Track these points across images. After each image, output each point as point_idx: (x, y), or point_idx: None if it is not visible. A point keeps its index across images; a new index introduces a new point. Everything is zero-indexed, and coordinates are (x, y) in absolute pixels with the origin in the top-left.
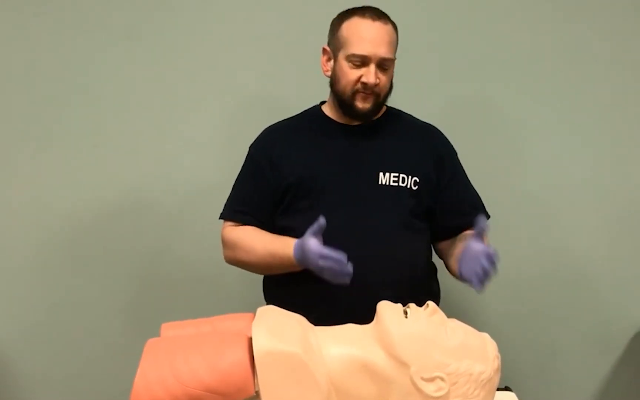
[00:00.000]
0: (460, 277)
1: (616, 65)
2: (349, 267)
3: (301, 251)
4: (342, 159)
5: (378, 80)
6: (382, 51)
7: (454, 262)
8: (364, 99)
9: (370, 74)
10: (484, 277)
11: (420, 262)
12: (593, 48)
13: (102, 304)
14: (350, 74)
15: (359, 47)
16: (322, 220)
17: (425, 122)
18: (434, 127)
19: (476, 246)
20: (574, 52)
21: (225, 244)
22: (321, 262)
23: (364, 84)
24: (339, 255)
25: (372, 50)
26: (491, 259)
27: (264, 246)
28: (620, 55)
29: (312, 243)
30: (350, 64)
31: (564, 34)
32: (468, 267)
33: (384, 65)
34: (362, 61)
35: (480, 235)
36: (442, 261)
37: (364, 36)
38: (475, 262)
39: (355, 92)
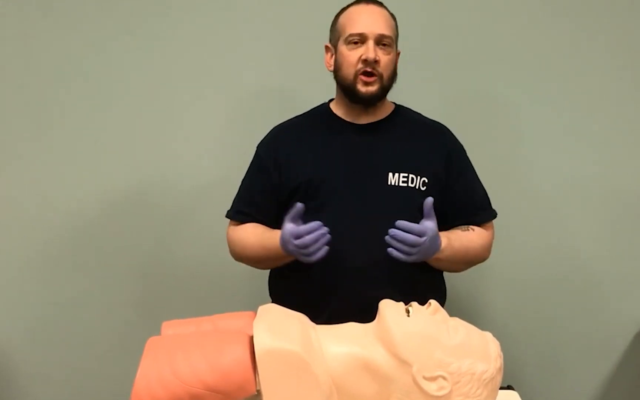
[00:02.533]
0: None
1: (622, 63)
2: (325, 230)
3: (282, 240)
4: (350, 159)
5: (378, 57)
6: (379, 27)
7: None
8: (366, 83)
9: (369, 50)
10: (390, 242)
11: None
12: (599, 46)
13: (103, 301)
14: (350, 56)
15: (355, 26)
16: (298, 205)
17: (434, 120)
18: (443, 125)
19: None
20: (579, 49)
21: (228, 241)
22: (297, 242)
23: (365, 61)
24: (311, 226)
25: (368, 27)
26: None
27: (257, 240)
28: (625, 54)
29: (287, 227)
30: (349, 46)
31: (569, 31)
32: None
33: (383, 43)
34: (360, 40)
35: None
36: None
37: (360, 17)
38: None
39: (357, 75)
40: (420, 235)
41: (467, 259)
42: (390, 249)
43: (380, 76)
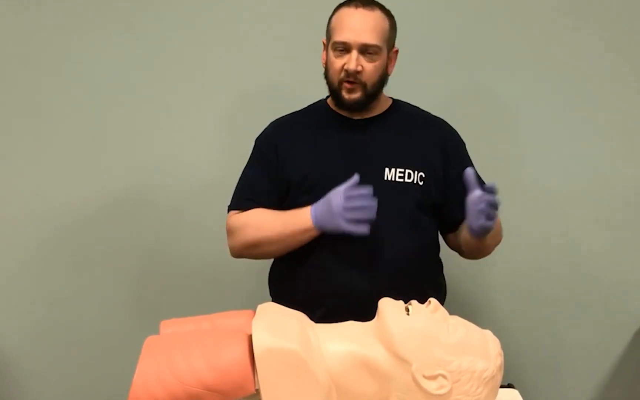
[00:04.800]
0: (472, 234)
1: (622, 62)
2: (374, 202)
3: (326, 200)
4: (347, 154)
5: (360, 68)
6: (363, 37)
7: (465, 233)
8: (350, 90)
9: (351, 61)
10: (489, 210)
11: (427, 258)
12: (599, 44)
13: (102, 300)
14: (335, 63)
15: (340, 34)
16: (355, 177)
17: (432, 114)
18: (441, 118)
19: (473, 194)
20: (579, 48)
21: (232, 229)
22: (347, 203)
23: (347, 72)
24: (364, 190)
25: (352, 36)
26: (490, 191)
27: (276, 217)
28: (626, 52)
29: (340, 188)
30: (335, 52)
31: (569, 29)
32: (474, 217)
33: (368, 52)
34: (344, 48)
35: (473, 187)
36: (447, 257)
37: (346, 23)
38: (478, 207)
39: (340, 83)
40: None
41: (497, 237)
42: (487, 223)
43: (364, 84)
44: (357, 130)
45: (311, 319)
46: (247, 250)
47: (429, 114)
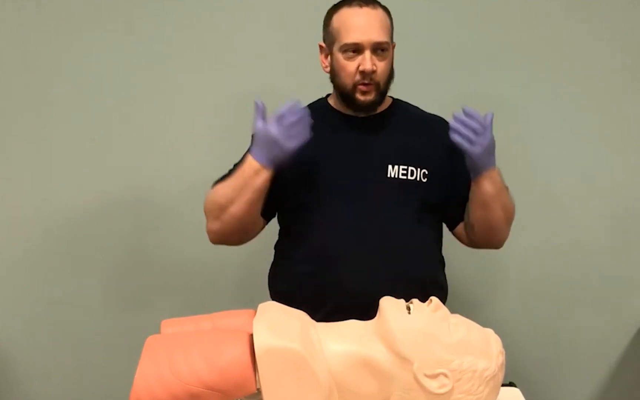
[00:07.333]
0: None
1: (626, 62)
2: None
3: (260, 136)
4: (349, 152)
5: (375, 67)
6: (375, 35)
7: (471, 195)
8: (365, 92)
9: (366, 61)
10: (467, 133)
11: (430, 256)
12: (601, 45)
13: (102, 300)
14: (347, 66)
15: (350, 36)
16: (258, 102)
17: (434, 114)
18: (443, 118)
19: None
20: (584, 48)
21: (204, 212)
22: (282, 123)
23: (362, 73)
24: (292, 105)
25: (363, 36)
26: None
27: (224, 181)
28: (630, 52)
29: (260, 122)
30: (345, 55)
31: (573, 30)
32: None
33: (379, 50)
34: (356, 50)
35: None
36: (449, 256)
37: (354, 24)
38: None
39: (355, 85)
40: (483, 124)
41: (507, 206)
42: (454, 135)
43: (377, 84)
44: (360, 128)
45: (312, 318)
46: (217, 224)
47: (431, 113)
